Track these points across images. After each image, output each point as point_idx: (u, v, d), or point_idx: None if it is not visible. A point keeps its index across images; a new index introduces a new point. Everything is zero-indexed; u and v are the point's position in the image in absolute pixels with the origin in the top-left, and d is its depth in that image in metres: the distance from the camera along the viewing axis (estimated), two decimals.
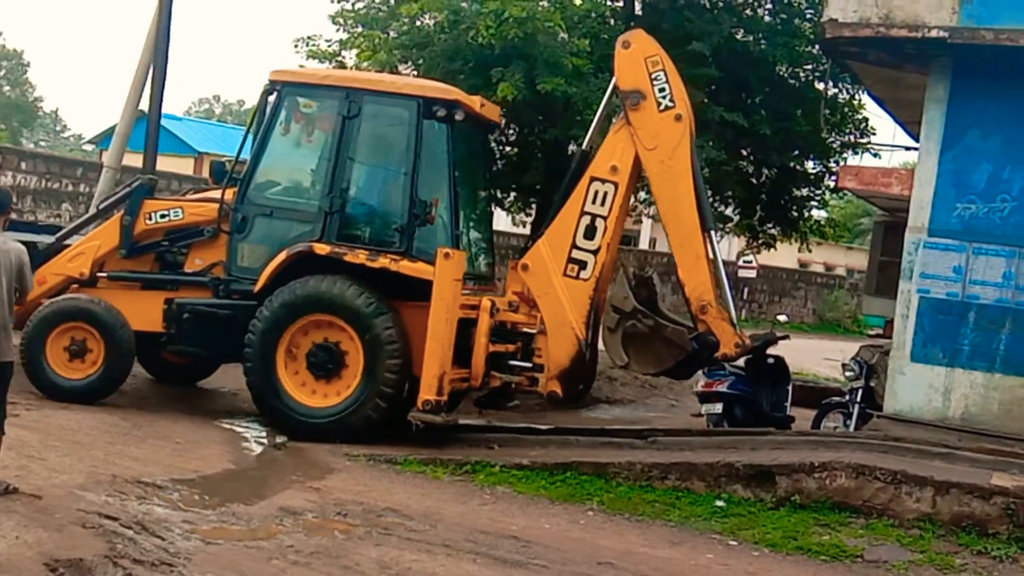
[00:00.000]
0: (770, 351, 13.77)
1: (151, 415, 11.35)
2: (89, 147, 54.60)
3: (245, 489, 9.42)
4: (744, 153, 17.05)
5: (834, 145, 17.46)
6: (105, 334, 11.36)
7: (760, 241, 19.06)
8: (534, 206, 17.78)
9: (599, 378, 18.21)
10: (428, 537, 8.18)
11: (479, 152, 12.62)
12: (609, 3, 16.77)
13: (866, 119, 17.56)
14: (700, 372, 12.78)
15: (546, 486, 10.00)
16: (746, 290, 39.70)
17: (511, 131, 16.44)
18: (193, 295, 11.62)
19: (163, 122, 15.82)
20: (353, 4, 16.01)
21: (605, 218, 11.37)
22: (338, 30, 16.00)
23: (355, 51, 15.74)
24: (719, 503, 9.71)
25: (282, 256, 11.16)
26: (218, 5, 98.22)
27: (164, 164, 13.63)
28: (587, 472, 10.20)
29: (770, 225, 18.57)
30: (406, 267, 11.03)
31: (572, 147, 15.78)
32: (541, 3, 14.68)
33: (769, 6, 17.09)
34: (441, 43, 14.66)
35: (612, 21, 16.20)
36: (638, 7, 16.77)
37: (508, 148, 16.80)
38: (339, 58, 16.16)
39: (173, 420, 11.23)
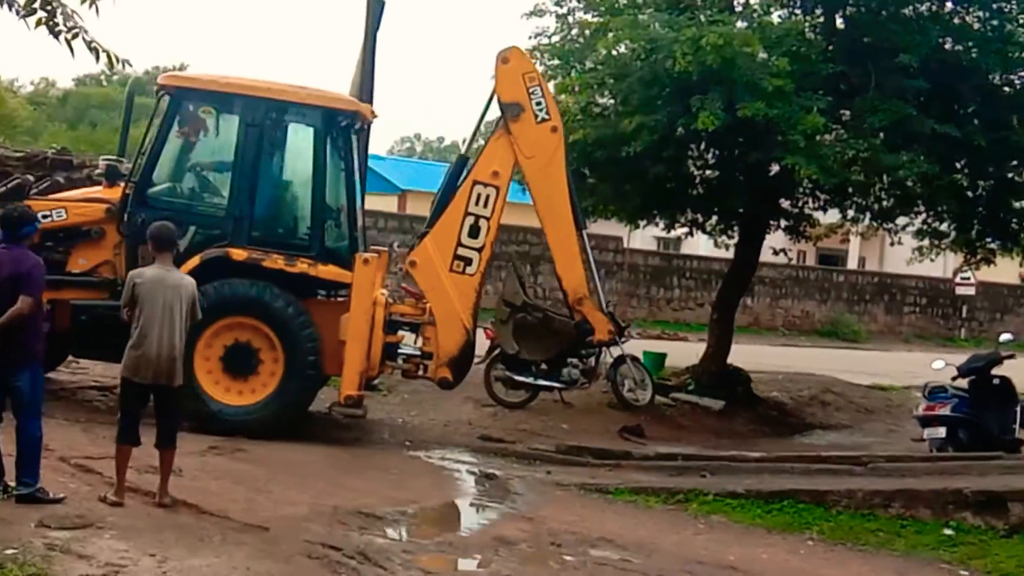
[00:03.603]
0: (995, 371, 13.22)
1: (369, 447, 11.70)
2: None
3: (460, 519, 9.59)
4: (958, 166, 16.40)
5: None
6: None
7: (979, 257, 18.32)
8: (736, 229, 17.54)
9: (811, 403, 17.84)
10: (643, 567, 8.11)
11: (362, 154, 13.00)
12: (807, 20, 16.44)
13: None
14: (921, 395, 12.39)
15: (762, 515, 9.82)
16: (964, 308, 37.95)
17: (710, 155, 16.28)
18: (79, 296, 11.47)
19: (368, 162, 16.38)
20: (549, 37, 16.19)
21: (488, 219, 12.15)
22: (535, 63, 16.20)
23: (552, 83, 15.90)
24: (947, 531, 9.35)
25: (195, 260, 11.10)
26: (415, 44, 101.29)
27: (369, 202, 14.23)
28: (804, 500, 9.98)
29: (989, 240, 17.79)
30: (324, 271, 11.42)
31: (775, 168, 15.53)
32: (738, 24, 14.50)
33: (979, 13, 16.40)
34: (637, 72, 14.62)
35: (814, 36, 15.86)
36: (839, 21, 16.39)
37: (708, 172, 16.63)
38: None
39: (388, 452, 11.52)
